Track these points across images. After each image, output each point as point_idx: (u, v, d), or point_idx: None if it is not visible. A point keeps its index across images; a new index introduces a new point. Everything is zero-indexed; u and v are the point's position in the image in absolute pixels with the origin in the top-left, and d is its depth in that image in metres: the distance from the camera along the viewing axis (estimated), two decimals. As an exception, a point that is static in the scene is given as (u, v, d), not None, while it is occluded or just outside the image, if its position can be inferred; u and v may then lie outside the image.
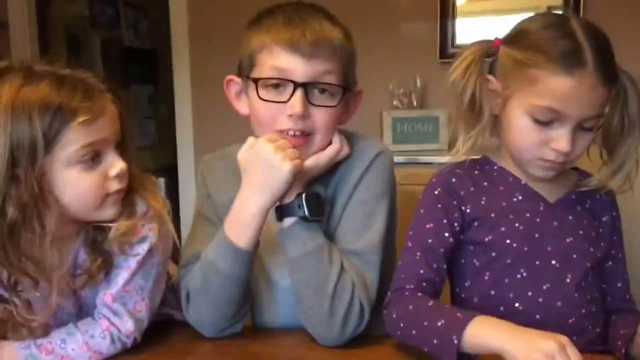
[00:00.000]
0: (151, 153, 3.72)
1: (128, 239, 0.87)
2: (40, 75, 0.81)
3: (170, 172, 3.15)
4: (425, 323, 0.80)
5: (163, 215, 0.90)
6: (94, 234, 0.88)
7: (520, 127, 0.87)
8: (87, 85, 0.82)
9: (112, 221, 0.86)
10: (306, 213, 0.91)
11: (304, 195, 0.92)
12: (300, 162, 0.92)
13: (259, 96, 0.94)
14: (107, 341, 0.89)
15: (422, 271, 0.88)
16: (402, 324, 0.84)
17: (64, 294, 0.90)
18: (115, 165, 0.85)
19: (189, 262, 0.98)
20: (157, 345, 0.94)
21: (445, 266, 0.90)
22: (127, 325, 0.90)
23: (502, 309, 0.88)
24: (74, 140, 0.80)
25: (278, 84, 0.93)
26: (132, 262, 0.89)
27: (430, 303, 0.84)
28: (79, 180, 0.82)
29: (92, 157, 0.83)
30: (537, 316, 0.87)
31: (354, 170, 0.98)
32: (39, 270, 0.82)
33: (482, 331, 0.75)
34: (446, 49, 2.69)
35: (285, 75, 0.92)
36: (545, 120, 0.84)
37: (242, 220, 0.92)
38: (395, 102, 2.70)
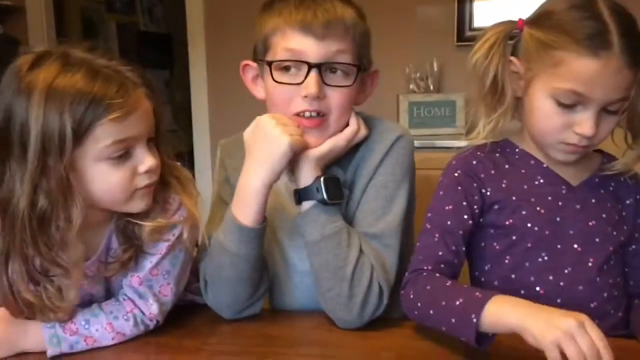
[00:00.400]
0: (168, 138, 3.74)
1: (159, 236, 0.88)
2: (77, 65, 0.79)
3: (187, 157, 3.16)
4: (443, 302, 0.80)
5: (195, 215, 0.90)
6: (125, 226, 0.88)
7: (543, 110, 0.85)
8: (122, 79, 0.81)
9: (143, 214, 0.87)
10: (325, 196, 0.91)
11: (322, 179, 0.92)
12: (301, 139, 0.91)
13: (273, 79, 0.94)
14: (130, 323, 0.90)
15: (440, 253, 0.88)
16: (419, 304, 0.84)
17: (95, 281, 0.91)
18: (146, 161, 0.84)
19: (206, 245, 0.99)
20: (178, 327, 0.95)
21: (464, 249, 0.90)
22: (152, 309, 0.91)
23: (522, 292, 0.87)
24: (104, 136, 0.79)
25: (292, 66, 0.93)
26: (162, 247, 0.90)
27: (448, 283, 0.84)
28: (108, 174, 0.82)
29: (123, 154, 0.82)
30: (558, 300, 0.86)
31: (373, 153, 0.97)
32: (66, 260, 0.82)
33: (500, 310, 0.74)
34: (463, 32, 2.65)
35: (299, 57, 0.92)
36: (569, 104, 0.83)
37: (246, 197, 0.92)
38: (411, 86, 2.68)
